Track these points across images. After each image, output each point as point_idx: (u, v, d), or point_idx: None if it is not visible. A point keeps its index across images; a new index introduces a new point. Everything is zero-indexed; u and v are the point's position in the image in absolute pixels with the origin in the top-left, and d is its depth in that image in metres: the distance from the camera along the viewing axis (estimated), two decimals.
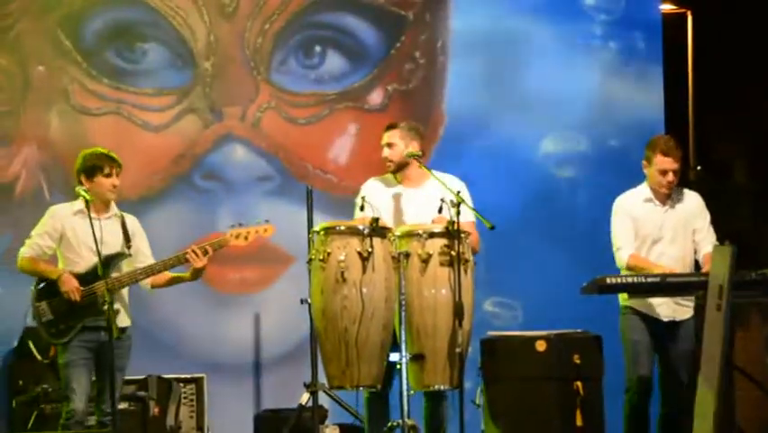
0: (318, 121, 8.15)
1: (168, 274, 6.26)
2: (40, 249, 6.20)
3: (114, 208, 6.25)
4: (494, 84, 8.22)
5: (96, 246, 5.90)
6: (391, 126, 6.32)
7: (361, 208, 6.10)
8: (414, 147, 6.25)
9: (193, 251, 6.16)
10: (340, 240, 5.92)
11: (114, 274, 6.11)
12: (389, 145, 6.27)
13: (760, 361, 5.60)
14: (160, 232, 7.67)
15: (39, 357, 7.08)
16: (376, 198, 6.22)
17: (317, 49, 8.20)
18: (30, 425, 6.76)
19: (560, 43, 8.33)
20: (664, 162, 6.34)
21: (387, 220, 6.10)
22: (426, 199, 6.15)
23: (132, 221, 6.32)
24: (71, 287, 6.05)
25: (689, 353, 6.22)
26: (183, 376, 7.55)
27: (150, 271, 6.17)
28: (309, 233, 6.35)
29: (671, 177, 6.35)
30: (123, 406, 6.58)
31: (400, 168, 6.28)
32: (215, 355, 7.85)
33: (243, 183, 8.06)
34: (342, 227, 5.96)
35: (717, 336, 5.43)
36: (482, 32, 8.31)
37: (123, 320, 6.15)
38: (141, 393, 7.07)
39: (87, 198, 6.04)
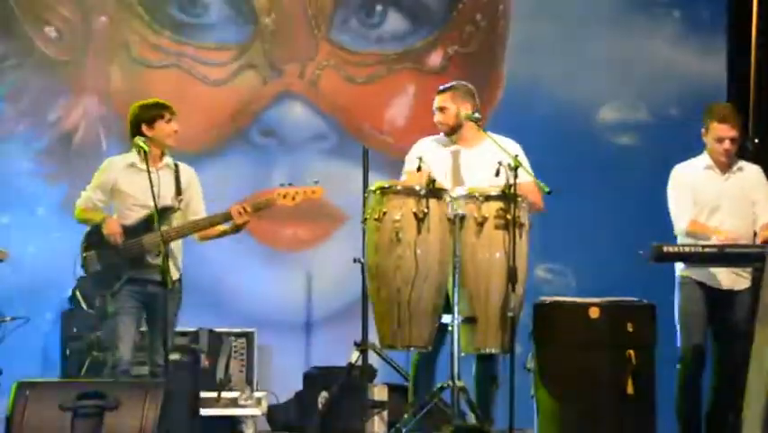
0: (377, 81, 8.13)
1: (217, 228, 6.28)
2: (91, 202, 6.25)
3: (167, 159, 6.24)
4: (554, 49, 8.16)
5: (154, 198, 5.92)
6: (444, 90, 6.30)
7: (418, 169, 6.08)
8: (466, 108, 6.23)
9: (237, 209, 6.16)
10: (396, 200, 5.92)
11: (164, 228, 6.13)
12: (441, 109, 6.25)
13: None
14: (216, 186, 7.68)
15: (85, 307, 7.14)
16: (432, 156, 6.21)
17: (378, 8, 8.17)
18: (83, 372, 6.83)
19: (623, 10, 8.25)
20: (720, 129, 6.27)
21: (443, 179, 6.09)
22: (482, 160, 6.14)
23: (187, 173, 6.31)
24: (113, 230, 6.09)
25: (744, 324, 6.18)
26: (234, 330, 7.59)
27: (195, 227, 6.18)
28: (365, 193, 6.34)
29: (727, 144, 6.27)
30: (174, 357, 6.62)
31: (454, 130, 6.26)
32: (267, 311, 7.88)
33: (300, 141, 8.07)
34: (399, 187, 5.96)
35: None
36: None
37: (172, 273, 6.15)
38: (193, 346, 7.11)
39: (146, 148, 6.06)
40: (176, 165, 6.23)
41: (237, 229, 6.27)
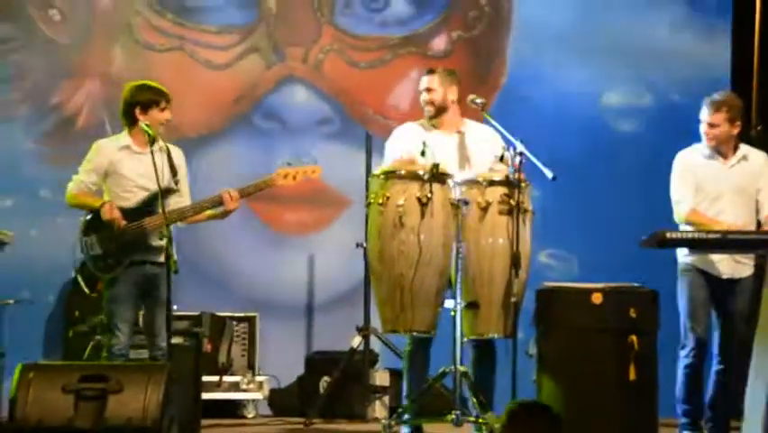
0: (380, 65, 8.11)
1: (204, 213, 6.22)
2: (84, 185, 6.20)
3: (159, 141, 6.17)
4: (558, 34, 8.14)
5: (157, 180, 5.91)
6: (430, 71, 6.31)
7: (422, 154, 6.08)
8: (453, 92, 6.25)
9: (228, 193, 6.13)
10: (400, 184, 5.91)
11: (167, 210, 6.09)
12: (429, 90, 6.26)
13: None
14: (219, 170, 7.73)
15: (87, 291, 7.14)
16: (412, 141, 6.20)
17: None
18: (86, 355, 6.83)
19: None
20: (702, 113, 6.31)
21: (423, 165, 6.08)
22: (462, 146, 6.16)
23: (177, 154, 6.22)
24: (114, 215, 6.05)
25: (746, 310, 6.19)
26: (236, 314, 7.61)
27: (190, 212, 6.14)
28: (368, 178, 6.33)
29: (704, 128, 6.29)
30: (176, 341, 6.61)
31: (439, 113, 6.26)
32: (269, 295, 7.88)
33: (303, 125, 8.06)
34: (403, 172, 5.95)
35: None
36: None
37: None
38: (195, 329, 7.11)
39: (151, 132, 6.03)
40: (167, 146, 6.14)
41: (226, 215, 6.23)
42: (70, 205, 6.26)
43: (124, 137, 6.21)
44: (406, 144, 6.17)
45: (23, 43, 7.80)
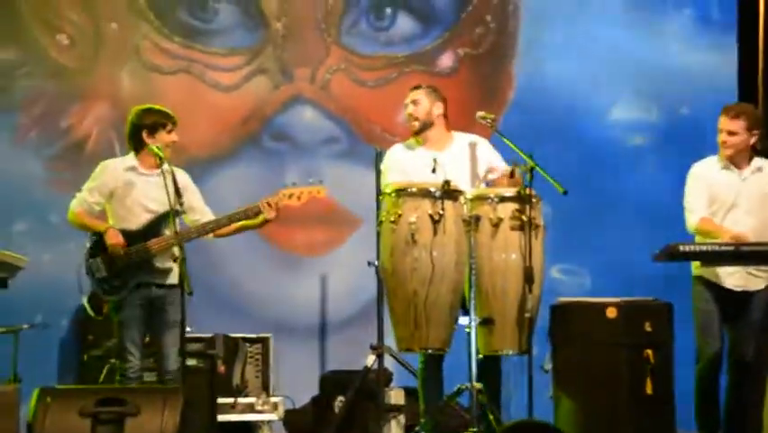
0: (387, 84, 8.13)
1: (236, 224, 6.23)
2: (87, 204, 6.21)
3: (165, 165, 6.18)
4: (565, 49, 8.16)
5: (169, 201, 5.93)
6: (416, 87, 6.33)
7: (433, 171, 6.07)
8: (438, 107, 6.25)
9: (267, 203, 6.16)
10: (411, 202, 5.92)
11: (167, 232, 6.10)
12: (415, 102, 6.28)
13: None
14: (228, 191, 7.72)
15: (92, 314, 7.13)
16: (404, 163, 6.21)
17: (388, 11, 8.18)
18: (101, 379, 6.83)
19: (634, 10, 8.26)
20: (720, 121, 6.29)
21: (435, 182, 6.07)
22: (460, 161, 6.17)
23: (182, 176, 6.26)
24: (116, 241, 6.06)
25: (759, 323, 6.17)
26: (249, 336, 7.59)
27: (216, 226, 6.18)
28: (378, 196, 6.33)
29: (723, 136, 6.26)
30: (190, 363, 6.62)
31: (423, 128, 6.26)
32: (282, 316, 7.88)
33: (311, 145, 8.07)
34: (415, 189, 5.96)
35: None
36: None
37: (174, 277, 6.13)
38: (209, 351, 7.11)
39: (162, 155, 6.05)
40: (172, 169, 6.14)
41: (263, 224, 6.25)
42: (71, 223, 6.27)
43: (131, 159, 6.22)
44: (397, 172, 6.17)
45: (32, 69, 7.82)
